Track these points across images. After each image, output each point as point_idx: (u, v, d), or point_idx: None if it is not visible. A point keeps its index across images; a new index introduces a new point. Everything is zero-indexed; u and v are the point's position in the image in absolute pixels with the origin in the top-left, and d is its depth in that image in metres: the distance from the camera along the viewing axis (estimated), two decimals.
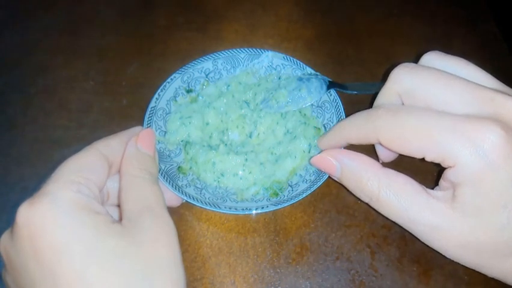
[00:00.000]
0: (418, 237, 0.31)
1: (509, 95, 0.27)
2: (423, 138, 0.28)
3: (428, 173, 0.43)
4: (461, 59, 0.31)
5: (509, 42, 0.55)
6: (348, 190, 0.35)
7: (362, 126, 0.32)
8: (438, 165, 0.29)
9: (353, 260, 0.40)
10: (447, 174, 0.28)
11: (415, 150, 0.29)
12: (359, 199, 0.33)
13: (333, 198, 0.43)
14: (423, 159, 0.29)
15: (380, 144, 0.31)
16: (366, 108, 0.33)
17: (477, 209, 0.27)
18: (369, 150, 0.37)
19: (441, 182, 0.29)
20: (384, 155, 0.38)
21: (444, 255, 0.30)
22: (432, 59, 0.32)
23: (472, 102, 0.28)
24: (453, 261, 0.30)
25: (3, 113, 0.49)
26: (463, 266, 0.30)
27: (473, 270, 0.30)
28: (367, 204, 0.33)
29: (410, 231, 0.31)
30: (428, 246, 0.31)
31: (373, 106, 0.34)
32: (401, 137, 0.29)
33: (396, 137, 0.29)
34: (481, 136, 0.26)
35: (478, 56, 0.32)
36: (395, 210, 0.30)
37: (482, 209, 0.27)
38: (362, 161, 0.33)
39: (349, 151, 0.34)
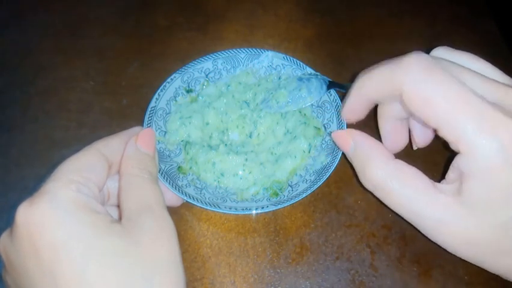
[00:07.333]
0: (421, 230, 0.30)
1: None
2: (447, 111, 0.27)
3: (436, 167, 0.43)
4: (471, 54, 0.31)
5: (509, 42, 0.55)
6: (348, 190, 0.35)
7: (386, 78, 0.30)
8: (447, 148, 0.28)
9: (353, 260, 0.40)
10: (457, 161, 0.27)
11: (432, 119, 0.28)
12: (363, 187, 0.32)
13: (333, 198, 0.43)
14: (436, 135, 0.28)
15: (401, 100, 0.29)
16: None
17: (484, 204, 0.27)
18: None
19: (449, 173, 0.29)
20: (419, 139, 0.36)
21: (445, 253, 0.30)
22: (442, 54, 0.31)
23: (486, 96, 0.27)
24: (453, 261, 0.30)
25: (3, 113, 0.49)
26: (463, 266, 0.30)
27: (474, 270, 0.30)
28: (367, 203, 0.32)
29: (412, 223, 0.30)
30: (428, 246, 0.31)
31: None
32: (424, 102, 0.27)
33: (420, 99, 0.28)
34: (503, 130, 0.25)
35: (478, 55, 0.31)
36: (400, 202, 0.30)
37: (489, 205, 0.26)
38: (376, 147, 0.32)
39: (368, 136, 0.33)
